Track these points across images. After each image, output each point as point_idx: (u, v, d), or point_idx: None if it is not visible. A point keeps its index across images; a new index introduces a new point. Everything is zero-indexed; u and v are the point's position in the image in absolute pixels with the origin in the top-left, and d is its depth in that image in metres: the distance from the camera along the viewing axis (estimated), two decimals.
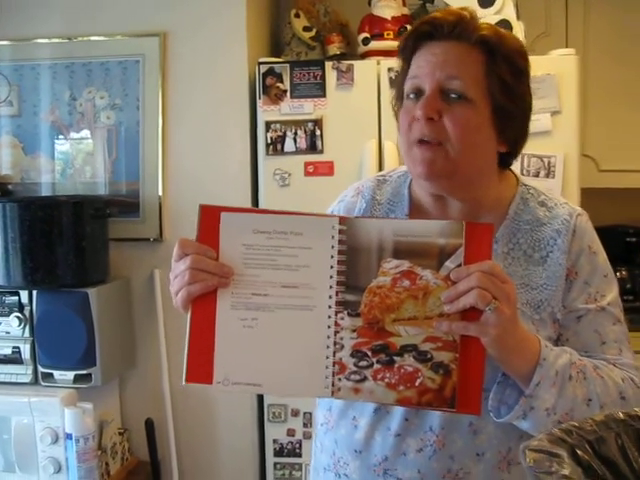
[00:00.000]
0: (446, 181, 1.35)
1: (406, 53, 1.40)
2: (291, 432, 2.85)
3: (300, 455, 2.83)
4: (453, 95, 1.31)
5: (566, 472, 0.75)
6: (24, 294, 2.70)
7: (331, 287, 1.22)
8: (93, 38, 2.95)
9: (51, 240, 2.62)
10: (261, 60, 2.83)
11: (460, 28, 1.33)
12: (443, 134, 1.31)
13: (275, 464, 2.87)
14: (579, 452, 0.84)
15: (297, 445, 2.85)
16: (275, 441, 2.86)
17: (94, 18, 2.94)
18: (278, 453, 2.86)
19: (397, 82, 1.44)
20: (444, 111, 1.31)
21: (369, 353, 1.21)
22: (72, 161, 2.99)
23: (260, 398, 2.91)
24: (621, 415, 0.91)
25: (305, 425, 2.81)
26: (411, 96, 1.35)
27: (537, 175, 2.62)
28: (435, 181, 1.35)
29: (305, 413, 2.79)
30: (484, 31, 1.33)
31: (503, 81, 1.33)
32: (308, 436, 2.78)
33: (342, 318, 1.22)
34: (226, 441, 2.96)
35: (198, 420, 2.97)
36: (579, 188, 2.71)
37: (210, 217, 1.25)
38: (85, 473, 2.46)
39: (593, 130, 3.29)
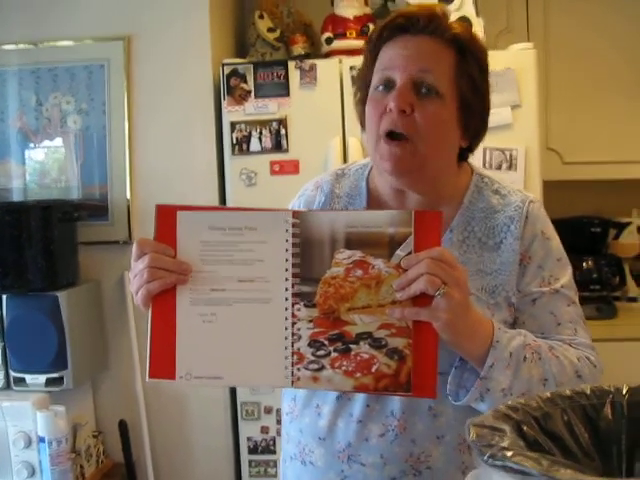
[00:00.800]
0: (412, 177, 1.38)
1: (375, 44, 1.41)
2: (265, 429, 2.87)
3: (274, 452, 2.85)
4: (425, 89, 1.34)
5: (505, 444, 0.77)
6: None
7: (287, 279, 1.25)
8: (58, 43, 2.96)
9: (20, 244, 2.63)
10: (225, 61, 2.85)
11: (435, 24, 1.36)
12: (413, 128, 1.33)
13: (250, 461, 2.89)
14: (524, 427, 0.86)
15: (271, 442, 2.87)
16: (249, 439, 2.88)
17: (58, 23, 2.95)
18: (252, 451, 2.88)
19: (362, 73, 1.46)
20: (416, 105, 1.33)
21: (326, 342, 1.24)
22: (40, 166, 3.00)
23: (233, 396, 2.92)
24: (567, 392, 0.92)
25: (278, 422, 2.81)
26: (380, 88, 1.38)
27: (499, 168, 2.66)
28: (401, 177, 1.39)
29: (278, 410, 2.80)
30: (457, 29, 1.37)
31: (472, 79, 1.37)
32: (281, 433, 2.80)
33: (298, 309, 1.25)
34: (200, 440, 2.98)
35: (172, 420, 2.98)
36: (541, 180, 2.75)
37: (167, 216, 1.27)
38: (59, 476, 2.47)
39: (556, 123, 3.35)
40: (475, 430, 0.82)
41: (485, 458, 0.77)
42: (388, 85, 1.37)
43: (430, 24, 1.36)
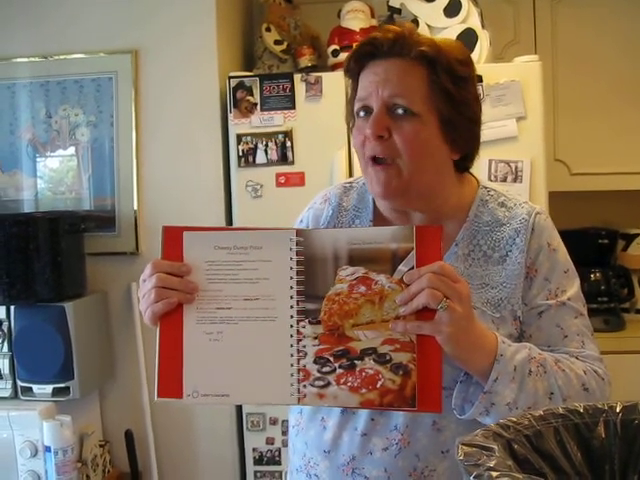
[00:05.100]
0: (403, 198, 1.40)
1: (352, 74, 1.44)
2: (270, 440, 2.88)
3: (279, 463, 2.86)
4: (399, 111, 1.35)
5: (491, 464, 0.77)
6: (2, 310, 2.73)
7: (291, 297, 1.26)
8: (67, 56, 2.98)
9: (27, 256, 2.65)
10: (231, 74, 2.87)
11: (399, 45, 1.37)
12: (394, 151, 1.35)
13: (255, 472, 2.90)
14: (515, 446, 0.86)
15: (276, 453, 2.87)
16: (255, 449, 2.89)
17: (67, 37, 2.98)
18: (258, 461, 2.89)
19: (348, 101, 1.48)
20: (392, 128, 1.35)
21: (331, 359, 1.24)
22: (48, 178, 3.02)
23: (239, 407, 2.93)
24: (560, 410, 0.92)
25: (284, 433, 2.83)
26: (361, 114, 1.40)
27: (505, 180, 2.66)
28: (392, 199, 1.41)
29: (283, 421, 2.81)
30: (422, 45, 1.36)
31: (446, 91, 1.36)
32: (287, 444, 2.79)
33: (304, 326, 1.25)
34: (206, 450, 2.99)
35: (178, 430, 2.99)
36: (547, 192, 2.74)
37: (173, 237, 1.29)
38: None
39: (564, 134, 3.34)
40: (464, 449, 0.82)
41: (471, 478, 0.77)
42: (367, 112, 1.39)
43: (394, 46, 1.37)
